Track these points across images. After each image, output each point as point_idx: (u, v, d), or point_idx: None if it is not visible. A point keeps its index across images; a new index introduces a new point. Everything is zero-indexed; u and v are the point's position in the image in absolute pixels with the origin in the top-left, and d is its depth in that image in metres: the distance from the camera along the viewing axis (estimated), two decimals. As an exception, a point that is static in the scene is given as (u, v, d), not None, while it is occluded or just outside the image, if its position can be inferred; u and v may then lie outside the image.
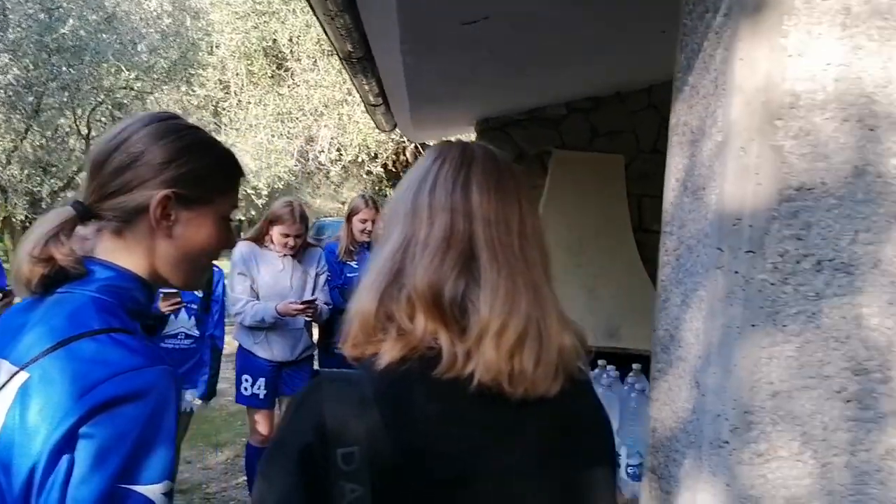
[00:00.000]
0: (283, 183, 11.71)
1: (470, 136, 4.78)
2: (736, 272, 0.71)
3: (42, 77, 8.02)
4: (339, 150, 11.38)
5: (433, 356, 0.64)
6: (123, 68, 8.76)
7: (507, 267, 0.68)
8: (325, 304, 3.23)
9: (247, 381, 3.12)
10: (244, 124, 10.76)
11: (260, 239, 3.10)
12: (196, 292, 2.95)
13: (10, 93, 8.04)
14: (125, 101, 9.32)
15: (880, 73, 0.70)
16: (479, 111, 4.60)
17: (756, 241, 0.71)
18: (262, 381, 3.09)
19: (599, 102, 4.70)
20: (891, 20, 0.69)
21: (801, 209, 0.70)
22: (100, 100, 8.92)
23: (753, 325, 0.71)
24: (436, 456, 0.63)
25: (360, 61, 3.01)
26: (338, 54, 2.85)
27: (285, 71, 11.76)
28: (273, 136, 10.75)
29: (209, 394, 3.01)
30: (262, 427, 3.05)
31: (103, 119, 9.26)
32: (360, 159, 11.74)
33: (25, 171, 8.94)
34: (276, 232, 3.07)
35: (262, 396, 3.06)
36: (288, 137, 10.97)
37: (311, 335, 3.37)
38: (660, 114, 4.75)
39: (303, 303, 2.98)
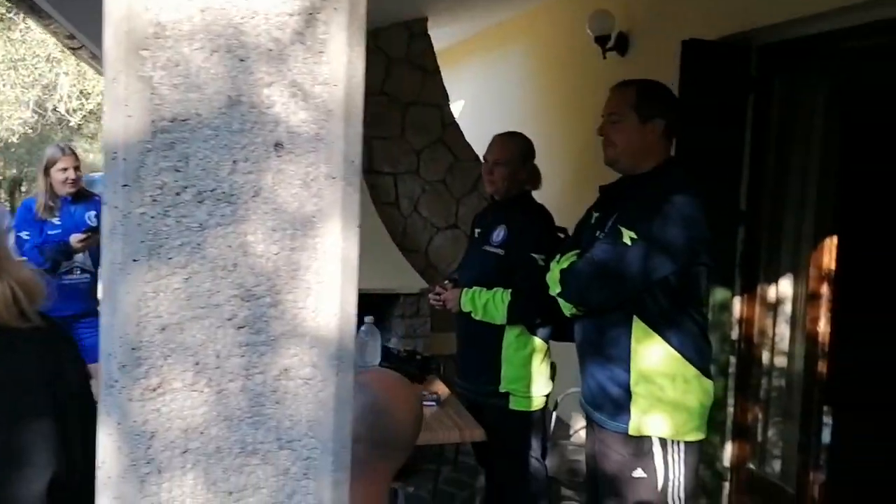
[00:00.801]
0: (17, 136, 10.47)
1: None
2: (116, 207, 0.70)
3: None
4: (78, 97, 10.35)
5: None
6: None
7: None
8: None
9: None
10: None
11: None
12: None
13: None
14: None
15: (245, 4, 0.70)
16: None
17: (132, 175, 0.69)
18: None
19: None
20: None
21: (178, 141, 0.70)
22: None
23: (135, 260, 0.70)
24: None
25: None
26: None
27: (16, 14, 10.42)
28: (4, 85, 9.53)
29: None
30: None
31: None
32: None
33: None
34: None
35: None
36: (23, 87, 9.79)
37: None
38: (387, 56, 4.79)
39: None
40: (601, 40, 4.22)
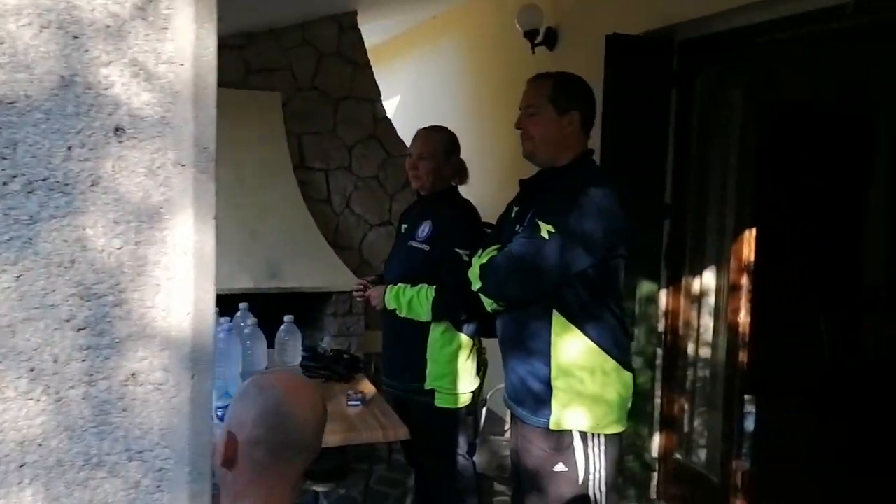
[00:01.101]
0: None
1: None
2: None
3: None
4: None
5: None
6: None
7: None
8: None
9: None
10: None
11: None
12: None
13: None
14: None
15: (77, -27, 0.64)
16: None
17: (-52, 163, 0.63)
18: None
19: (252, 39, 4.51)
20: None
21: (5, 125, 0.64)
22: None
23: (-44, 258, 0.63)
24: None
25: None
26: None
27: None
28: None
29: None
30: None
31: None
32: None
33: None
34: None
35: None
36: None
37: None
38: (318, 50, 4.70)
39: None
40: (530, 35, 4.23)
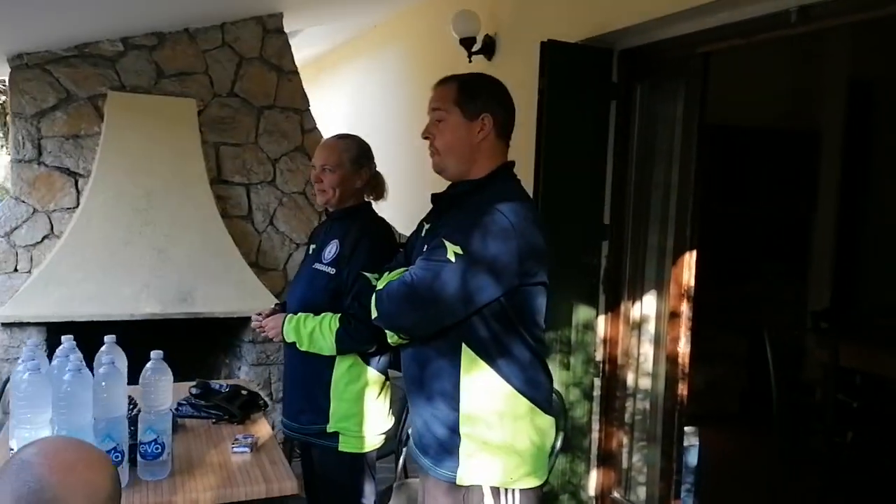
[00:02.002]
0: None
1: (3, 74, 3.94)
2: None
3: None
4: None
5: None
6: None
7: None
8: None
9: None
10: None
11: None
12: None
13: None
14: None
15: None
16: (6, 44, 3.79)
17: None
18: None
19: (165, 38, 4.17)
20: None
21: None
22: None
23: None
24: None
25: None
26: None
27: None
28: None
29: None
30: None
31: None
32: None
33: None
34: None
35: None
36: None
37: None
38: (238, 54, 4.39)
39: None
40: (466, 42, 3.99)
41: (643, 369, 3.23)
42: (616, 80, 3.24)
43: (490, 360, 1.69)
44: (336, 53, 7.03)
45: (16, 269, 3.90)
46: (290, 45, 4.52)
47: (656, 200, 3.15)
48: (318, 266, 2.35)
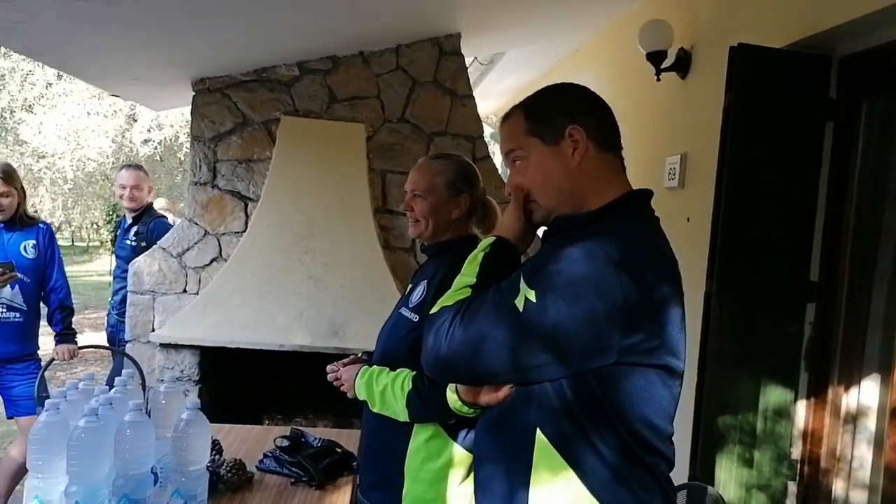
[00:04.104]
0: (94, 164, 10.77)
1: (188, 99, 4.11)
2: None
3: None
4: (150, 129, 10.42)
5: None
6: None
7: None
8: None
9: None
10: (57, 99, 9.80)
11: None
12: None
13: None
14: None
15: None
16: (193, 69, 3.93)
17: None
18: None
19: (339, 62, 4.10)
20: None
21: None
22: None
23: None
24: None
25: None
26: None
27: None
28: (88, 113, 9.76)
29: None
30: None
31: None
32: (179, 139, 10.76)
33: None
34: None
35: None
36: (105, 115, 10.00)
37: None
38: (411, 77, 4.20)
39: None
40: (655, 57, 3.41)
41: (857, 478, 2.40)
42: (835, 96, 2.49)
43: (571, 457, 1.18)
44: (545, 81, 6.68)
45: (185, 290, 3.99)
46: (466, 68, 4.24)
47: (886, 254, 2.34)
48: (403, 311, 1.96)
